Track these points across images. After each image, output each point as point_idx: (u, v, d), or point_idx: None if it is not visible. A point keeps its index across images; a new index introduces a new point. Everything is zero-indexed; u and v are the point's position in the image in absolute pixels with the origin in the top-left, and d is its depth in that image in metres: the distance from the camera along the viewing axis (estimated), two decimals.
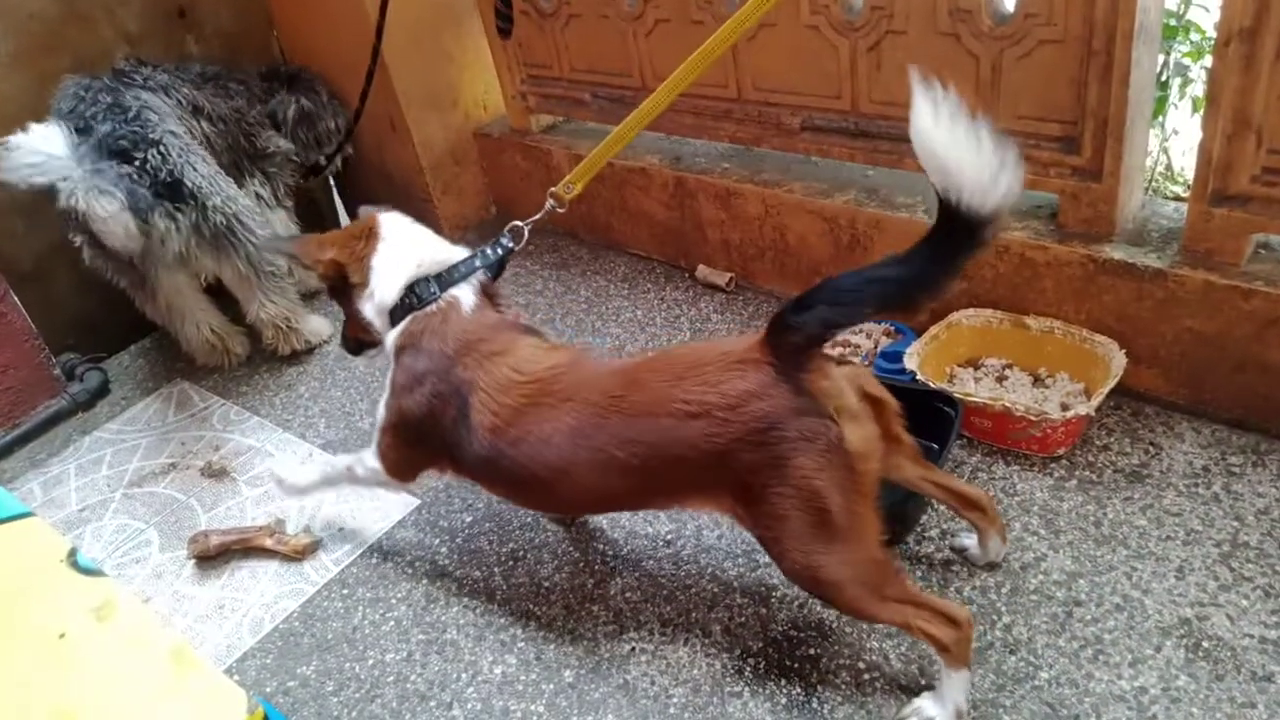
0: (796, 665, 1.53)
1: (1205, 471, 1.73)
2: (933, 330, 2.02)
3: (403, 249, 1.65)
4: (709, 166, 2.58)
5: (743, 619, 1.63)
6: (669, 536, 1.83)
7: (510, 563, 1.85)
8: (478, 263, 1.64)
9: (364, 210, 1.75)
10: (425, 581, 1.85)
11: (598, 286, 2.76)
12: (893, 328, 2.20)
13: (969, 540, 1.64)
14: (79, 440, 2.53)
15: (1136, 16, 1.64)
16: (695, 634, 1.62)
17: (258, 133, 2.75)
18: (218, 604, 1.90)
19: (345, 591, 1.86)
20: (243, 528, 2.04)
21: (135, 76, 2.44)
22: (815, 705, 1.46)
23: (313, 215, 3.23)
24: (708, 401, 1.27)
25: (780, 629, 1.60)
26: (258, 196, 2.73)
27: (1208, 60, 2.23)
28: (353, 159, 3.25)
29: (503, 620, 1.73)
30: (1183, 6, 2.57)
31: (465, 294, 1.61)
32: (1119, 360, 1.81)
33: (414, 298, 1.60)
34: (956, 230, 1.10)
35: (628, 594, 1.73)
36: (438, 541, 1.94)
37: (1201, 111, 1.68)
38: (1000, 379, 1.99)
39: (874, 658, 1.52)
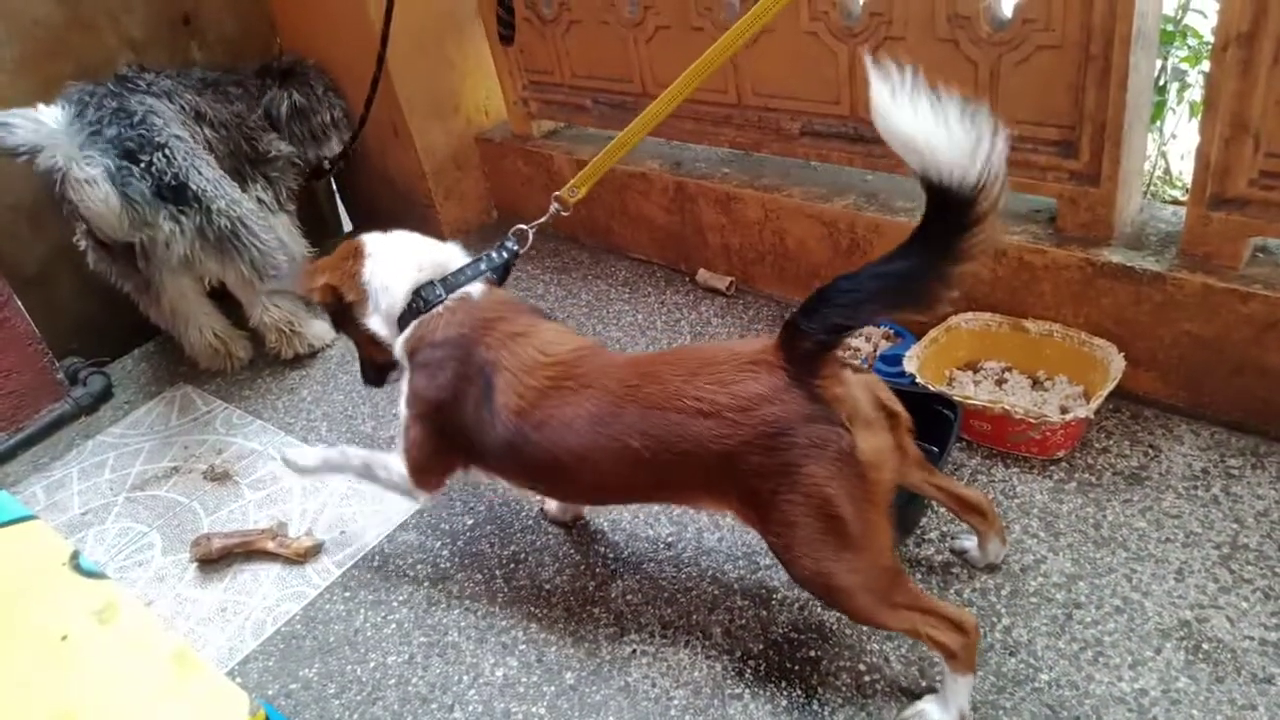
0: (797, 667, 1.53)
1: (1204, 474, 1.74)
2: (932, 333, 2.02)
3: (395, 256, 1.64)
4: (709, 171, 2.59)
5: (743, 621, 1.64)
6: (670, 539, 1.84)
7: (511, 565, 1.86)
8: (483, 266, 1.64)
9: (343, 243, 1.73)
10: (427, 584, 1.86)
11: (599, 290, 2.77)
12: (892, 330, 2.21)
13: (969, 542, 1.64)
14: (82, 444, 2.54)
15: (1134, 21, 1.65)
16: (696, 636, 1.63)
17: (259, 137, 2.76)
18: (220, 607, 1.90)
19: (347, 594, 1.87)
20: (245, 531, 2.04)
21: (139, 82, 2.45)
22: (816, 707, 1.46)
23: (316, 220, 3.24)
24: (719, 402, 1.27)
25: (781, 631, 1.60)
26: (260, 202, 2.73)
27: (1205, 65, 2.24)
28: (356, 164, 3.26)
29: (504, 623, 1.73)
30: (1180, 12, 2.58)
31: (474, 288, 1.61)
32: (1118, 363, 1.81)
33: (421, 301, 1.59)
34: (946, 211, 1.07)
35: (629, 596, 1.73)
36: (439, 544, 1.95)
37: (1199, 116, 1.68)
38: (999, 382, 1.99)
39: (874, 660, 1.52)
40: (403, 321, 1.62)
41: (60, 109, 2.23)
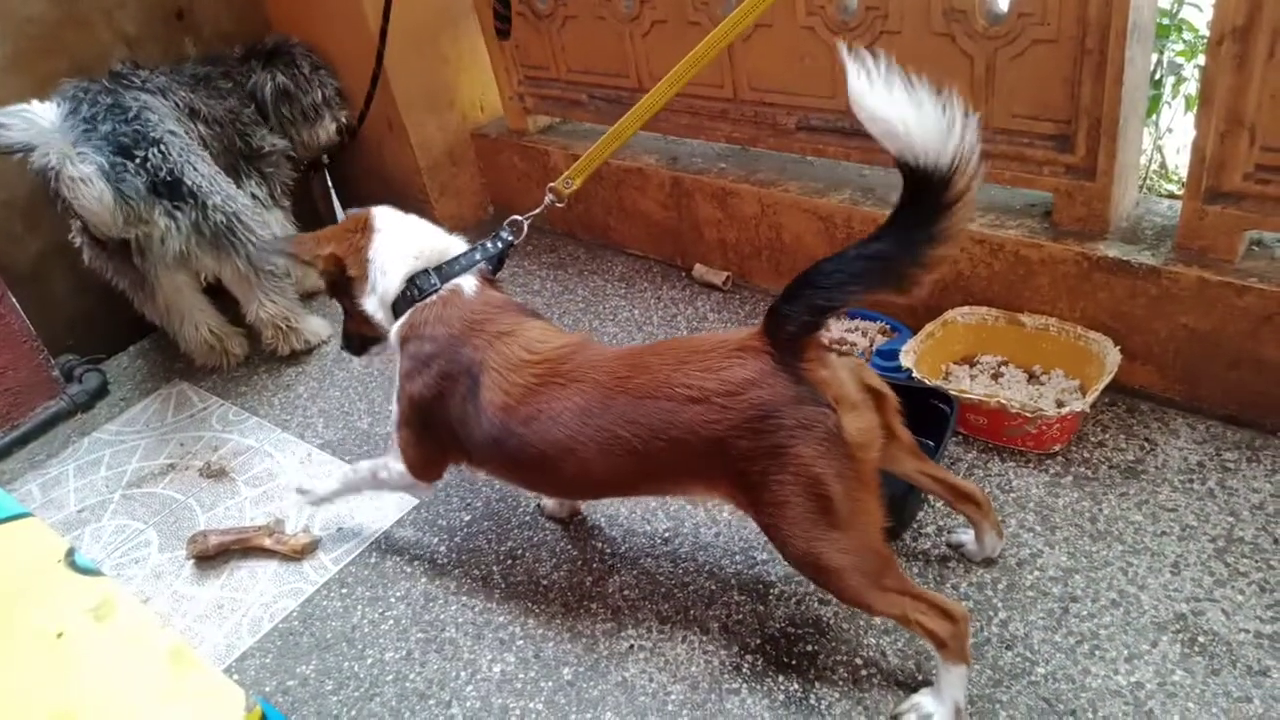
0: (794, 662, 1.54)
1: (1200, 467, 1.74)
2: (928, 328, 2.02)
3: (400, 239, 1.65)
4: (705, 166, 2.58)
5: (740, 616, 1.64)
6: (667, 534, 1.84)
7: (509, 561, 1.86)
8: (478, 256, 1.64)
9: (351, 212, 1.74)
10: (424, 580, 1.86)
11: (595, 286, 2.77)
12: (888, 325, 2.21)
13: (965, 536, 1.64)
14: (78, 441, 2.53)
15: (1130, 15, 1.65)
16: (693, 631, 1.63)
17: (252, 132, 2.76)
18: (217, 604, 1.90)
19: (344, 591, 1.87)
20: (241, 528, 2.04)
21: (134, 79, 2.45)
22: (813, 701, 1.47)
23: (310, 214, 3.23)
24: (707, 388, 1.29)
25: (778, 626, 1.60)
26: (254, 197, 2.73)
27: (1201, 59, 2.24)
28: (351, 159, 3.25)
29: (501, 618, 1.73)
30: (1176, 5, 2.58)
31: (467, 282, 1.61)
32: (1113, 357, 1.81)
33: (415, 289, 1.60)
34: (923, 192, 1.10)
35: (626, 592, 1.73)
36: (436, 540, 1.95)
37: (1195, 110, 1.68)
38: (995, 376, 1.99)
39: (871, 654, 1.52)
40: (397, 308, 1.62)
41: (54, 106, 2.22)
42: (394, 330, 1.63)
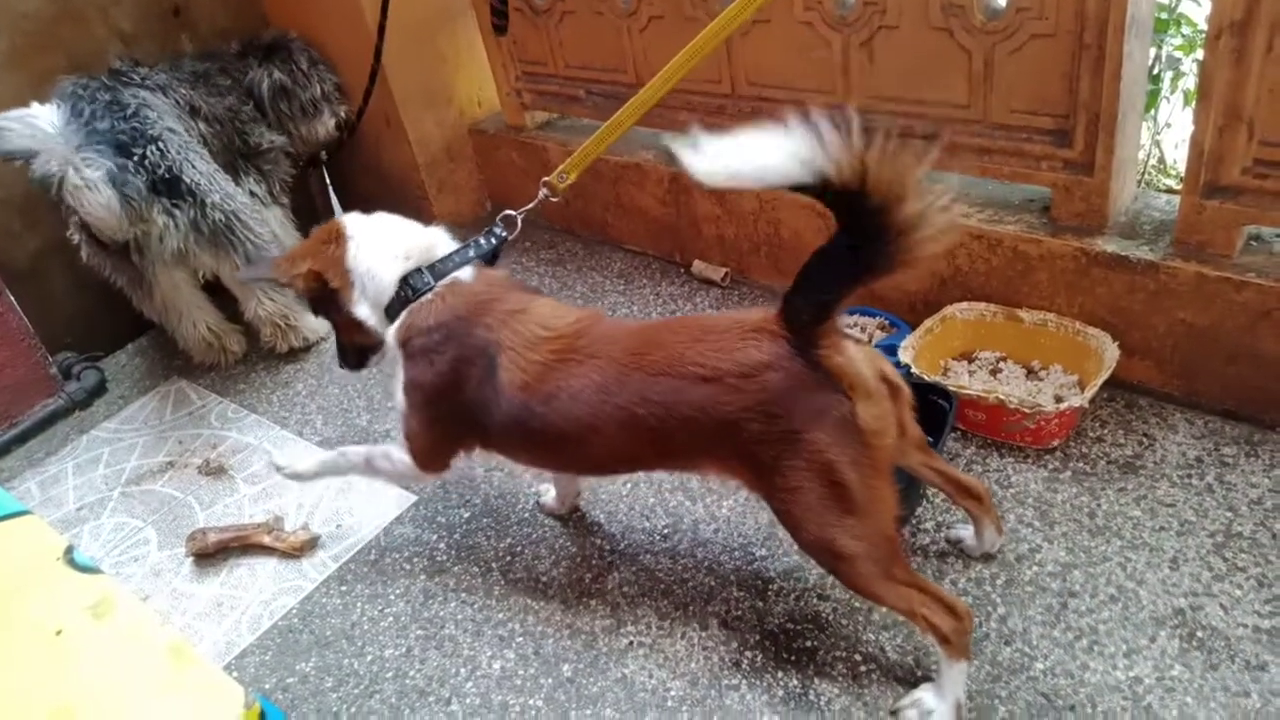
0: (794, 658, 1.54)
1: (1199, 462, 1.74)
2: (927, 324, 2.02)
3: (379, 242, 1.60)
4: None
5: (740, 612, 1.64)
6: (666, 531, 1.84)
7: (508, 558, 1.86)
8: (472, 252, 1.63)
9: (317, 228, 1.69)
10: (423, 577, 1.86)
11: (593, 282, 2.77)
12: (887, 321, 2.21)
13: (965, 532, 1.64)
14: (76, 439, 2.53)
15: (1128, 10, 1.65)
16: (693, 627, 1.63)
17: (251, 130, 2.75)
18: (216, 601, 1.90)
19: (344, 588, 1.87)
20: (241, 525, 2.04)
21: (133, 76, 2.44)
22: (812, 697, 1.47)
23: (308, 212, 3.23)
24: (720, 368, 1.28)
25: (777, 622, 1.61)
26: (253, 195, 2.72)
27: (1199, 54, 2.23)
28: (349, 156, 3.25)
29: (501, 615, 1.74)
30: (1174, 0, 2.58)
31: (464, 272, 1.59)
32: (1112, 352, 1.81)
33: (410, 290, 1.57)
34: (840, 201, 1.08)
35: (625, 588, 1.74)
36: (435, 537, 1.95)
37: (1193, 104, 1.68)
38: (994, 372, 1.99)
39: (870, 650, 1.52)
40: (391, 311, 1.59)
41: (55, 108, 2.19)
42: (391, 332, 1.60)
